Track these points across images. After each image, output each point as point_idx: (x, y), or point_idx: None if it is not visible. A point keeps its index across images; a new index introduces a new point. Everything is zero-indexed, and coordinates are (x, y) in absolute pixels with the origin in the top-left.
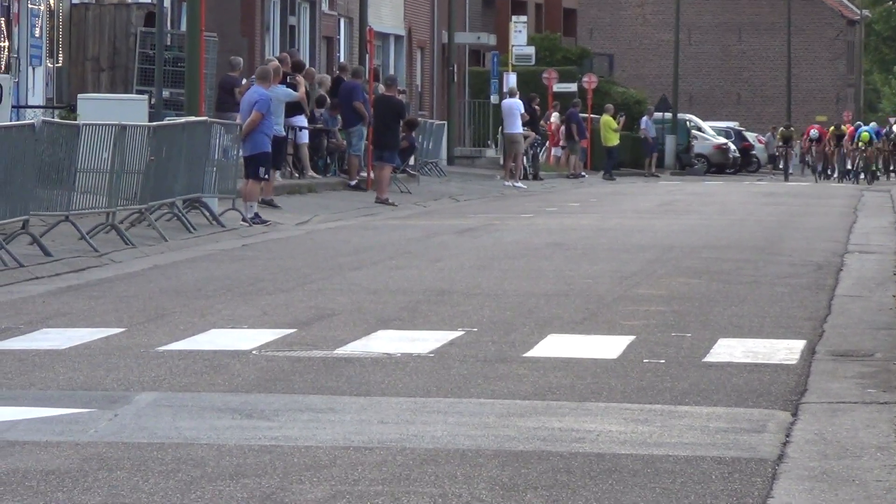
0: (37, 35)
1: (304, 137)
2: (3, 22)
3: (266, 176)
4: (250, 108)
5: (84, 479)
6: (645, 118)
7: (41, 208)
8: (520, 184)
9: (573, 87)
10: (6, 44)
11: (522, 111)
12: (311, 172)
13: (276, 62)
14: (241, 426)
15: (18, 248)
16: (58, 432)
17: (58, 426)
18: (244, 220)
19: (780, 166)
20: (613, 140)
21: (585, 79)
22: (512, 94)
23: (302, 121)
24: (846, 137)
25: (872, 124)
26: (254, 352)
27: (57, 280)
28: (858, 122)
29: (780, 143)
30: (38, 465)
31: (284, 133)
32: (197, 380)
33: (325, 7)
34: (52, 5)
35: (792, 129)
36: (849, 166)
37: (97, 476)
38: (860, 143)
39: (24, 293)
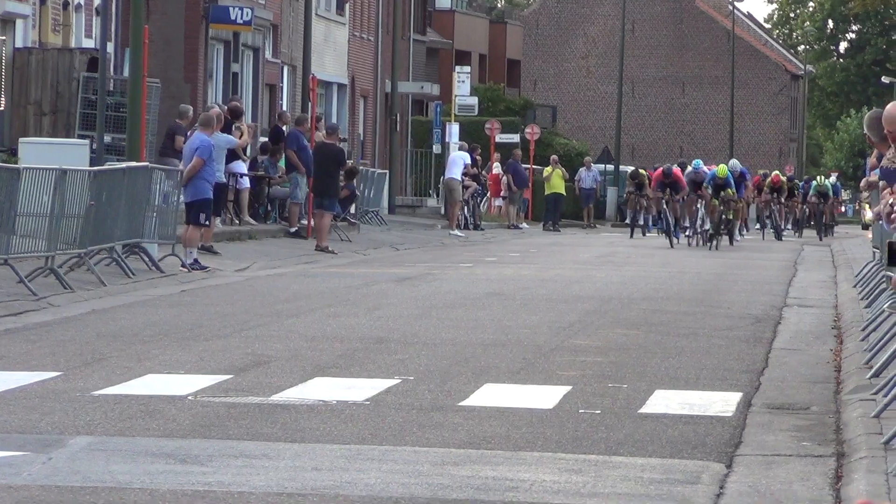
0: None
1: (245, 183)
2: None
3: (207, 222)
4: (192, 154)
5: None
6: (582, 169)
7: None
8: (459, 232)
9: (516, 137)
10: None
11: (468, 163)
12: (248, 218)
13: (218, 109)
14: (174, 471)
15: None
16: None
17: None
18: (184, 265)
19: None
20: (561, 188)
21: (528, 130)
22: (461, 149)
23: (242, 167)
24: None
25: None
26: (189, 397)
27: None
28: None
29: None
30: None
31: (225, 180)
32: (132, 424)
33: (268, 55)
34: None
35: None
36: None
37: None
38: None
39: None
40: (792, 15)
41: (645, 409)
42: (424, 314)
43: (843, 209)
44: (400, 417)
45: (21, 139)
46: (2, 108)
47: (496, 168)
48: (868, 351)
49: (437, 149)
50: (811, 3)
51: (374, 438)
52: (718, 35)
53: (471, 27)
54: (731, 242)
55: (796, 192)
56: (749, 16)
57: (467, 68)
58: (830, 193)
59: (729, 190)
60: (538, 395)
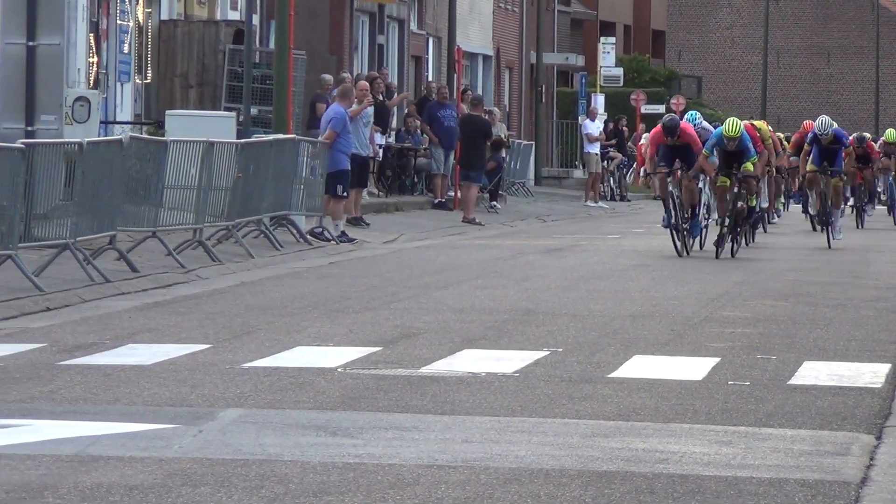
0: (125, 51)
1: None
2: (92, 38)
3: (344, 193)
4: (326, 126)
5: (167, 494)
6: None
7: (128, 224)
8: (601, 203)
9: (661, 108)
10: (95, 60)
11: (591, 132)
12: (372, 189)
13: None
14: (325, 443)
15: (105, 263)
16: (142, 447)
17: (142, 441)
18: (331, 238)
19: None
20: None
21: (673, 100)
22: (590, 116)
23: (380, 138)
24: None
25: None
26: (339, 369)
27: (143, 296)
28: None
29: None
30: (122, 480)
31: (365, 153)
32: (282, 397)
33: (413, 26)
34: (141, 22)
35: None
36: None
37: (181, 492)
38: None
39: (110, 308)
40: None
41: (794, 381)
42: (572, 285)
43: None
44: (549, 389)
45: (168, 112)
46: (148, 81)
47: (643, 139)
48: None
49: (582, 120)
50: None
51: (523, 410)
52: (863, 4)
53: (613, 2)
54: (747, 242)
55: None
56: None
57: (612, 39)
58: None
59: (748, 164)
60: (687, 367)
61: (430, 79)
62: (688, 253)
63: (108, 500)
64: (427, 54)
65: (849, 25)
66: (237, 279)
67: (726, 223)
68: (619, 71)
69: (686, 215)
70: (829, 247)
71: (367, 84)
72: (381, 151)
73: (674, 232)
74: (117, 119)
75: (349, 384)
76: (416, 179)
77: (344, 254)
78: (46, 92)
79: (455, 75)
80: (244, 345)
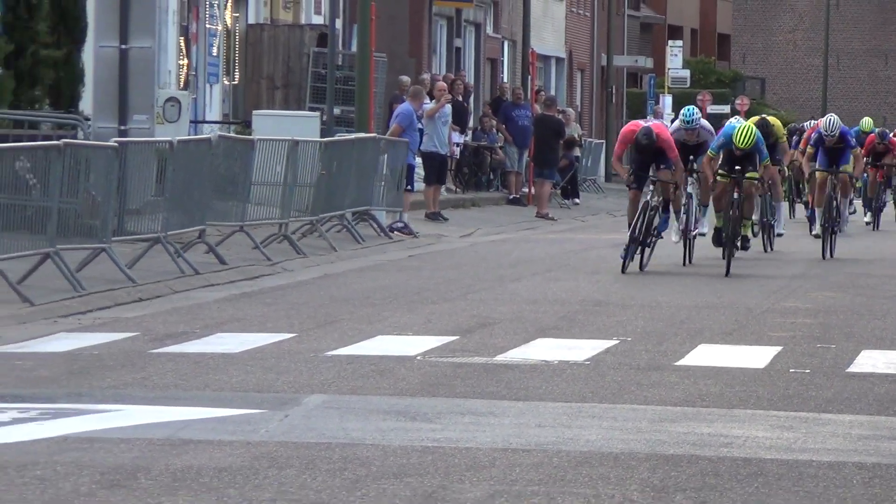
0: (214, 54)
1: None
2: (182, 41)
3: (409, 188)
4: (394, 122)
5: (255, 476)
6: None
7: (217, 219)
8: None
9: (726, 108)
10: (185, 62)
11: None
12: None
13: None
14: (404, 428)
15: (195, 256)
16: (230, 431)
17: (230, 426)
18: (411, 232)
19: None
20: None
21: (738, 101)
22: (656, 116)
23: (457, 137)
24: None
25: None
26: (418, 357)
27: (231, 287)
28: None
29: None
30: (211, 462)
31: (444, 151)
32: (363, 383)
33: (489, 30)
34: (229, 25)
35: None
36: None
37: (267, 474)
38: None
39: (199, 299)
40: None
41: (852, 369)
42: (640, 277)
43: None
44: (619, 377)
45: (255, 112)
46: (236, 83)
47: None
48: None
49: (649, 120)
50: None
51: (594, 396)
52: None
53: (683, 3)
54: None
55: None
56: None
57: (679, 42)
58: None
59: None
60: (750, 356)
61: (504, 80)
62: (640, 269)
63: (198, 482)
64: (502, 57)
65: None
66: (321, 271)
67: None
68: (686, 73)
69: (651, 228)
70: (828, 257)
71: (445, 84)
72: (458, 150)
73: (636, 246)
74: (206, 119)
75: (427, 371)
76: (491, 176)
77: (423, 247)
78: (138, 93)
79: (529, 77)
80: (327, 334)
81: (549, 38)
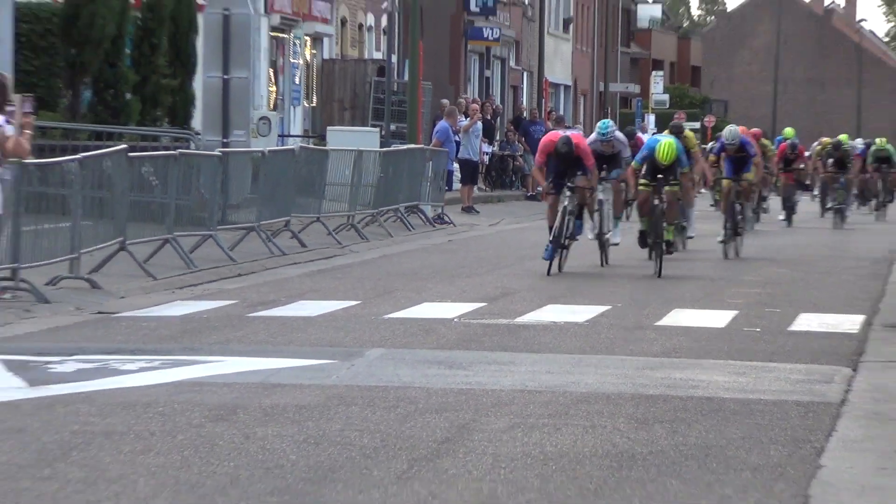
0: (296, 82)
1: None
2: (271, 72)
3: (448, 188)
4: (434, 136)
5: (327, 412)
6: None
7: (299, 211)
8: None
9: (697, 125)
10: (274, 88)
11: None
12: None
13: (475, 104)
14: (444, 374)
15: (282, 241)
16: (309, 377)
17: (309, 373)
18: (450, 221)
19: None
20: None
21: (707, 119)
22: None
23: (486, 147)
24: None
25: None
26: (455, 319)
27: (310, 265)
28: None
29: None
30: (294, 401)
31: (476, 158)
32: (412, 339)
33: (512, 63)
34: (308, 60)
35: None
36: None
37: (337, 410)
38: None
39: (286, 275)
40: None
41: (792, 328)
42: (631, 256)
43: None
44: (611, 334)
45: (329, 128)
46: (314, 105)
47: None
48: None
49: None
50: None
51: (591, 350)
52: (849, 46)
53: (663, 42)
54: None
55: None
56: (871, 32)
57: (661, 73)
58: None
59: (675, 187)
60: (714, 318)
61: (523, 103)
62: (559, 270)
63: (284, 416)
64: (522, 84)
65: (839, 62)
66: (379, 252)
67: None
68: (666, 97)
69: (567, 232)
70: (732, 256)
71: (478, 106)
72: (487, 157)
73: (557, 245)
74: (290, 133)
75: (462, 330)
76: (513, 178)
77: (459, 234)
78: (237, 113)
79: (543, 100)
80: (385, 301)
81: (558, 69)
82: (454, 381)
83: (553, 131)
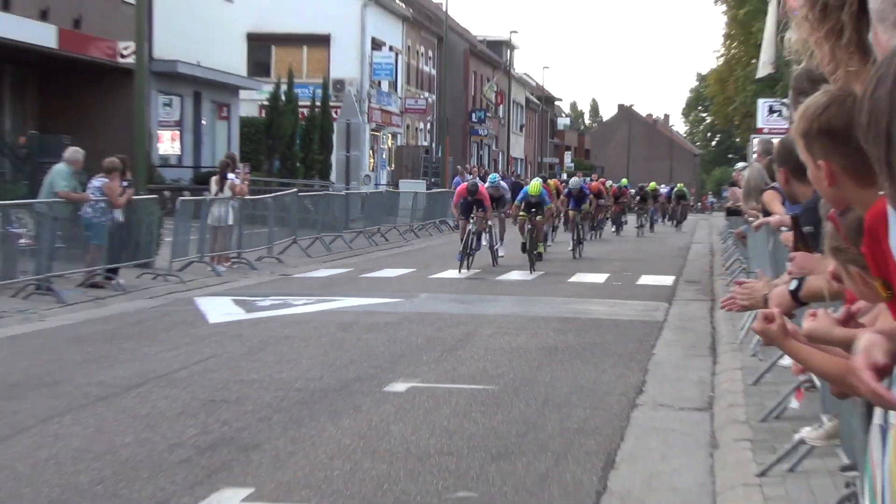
0: (384, 157)
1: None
2: (370, 151)
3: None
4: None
5: (400, 325)
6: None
7: (385, 223)
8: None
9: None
10: (372, 160)
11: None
12: None
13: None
14: (459, 306)
15: (377, 238)
16: (389, 307)
17: (388, 306)
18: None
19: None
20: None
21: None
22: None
23: None
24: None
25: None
26: (463, 278)
27: (389, 251)
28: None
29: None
30: (382, 320)
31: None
32: (442, 287)
33: (493, 147)
34: (390, 145)
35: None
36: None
37: (404, 325)
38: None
39: (377, 256)
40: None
41: (638, 283)
42: (516, 257)
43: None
44: (547, 284)
45: (400, 180)
46: (392, 169)
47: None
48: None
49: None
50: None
51: (537, 292)
52: (665, 139)
53: (571, 136)
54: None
55: (658, 197)
56: (677, 131)
57: (569, 152)
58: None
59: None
60: (596, 277)
61: (499, 168)
62: (468, 269)
63: (377, 328)
64: (499, 158)
65: (660, 147)
66: (425, 244)
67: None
68: (572, 164)
69: (472, 245)
70: (577, 257)
71: (476, 169)
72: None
73: (465, 254)
74: (380, 183)
75: (468, 283)
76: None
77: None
78: (353, 172)
79: (509, 167)
80: (428, 269)
81: (517, 150)
82: (465, 309)
83: (463, 182)
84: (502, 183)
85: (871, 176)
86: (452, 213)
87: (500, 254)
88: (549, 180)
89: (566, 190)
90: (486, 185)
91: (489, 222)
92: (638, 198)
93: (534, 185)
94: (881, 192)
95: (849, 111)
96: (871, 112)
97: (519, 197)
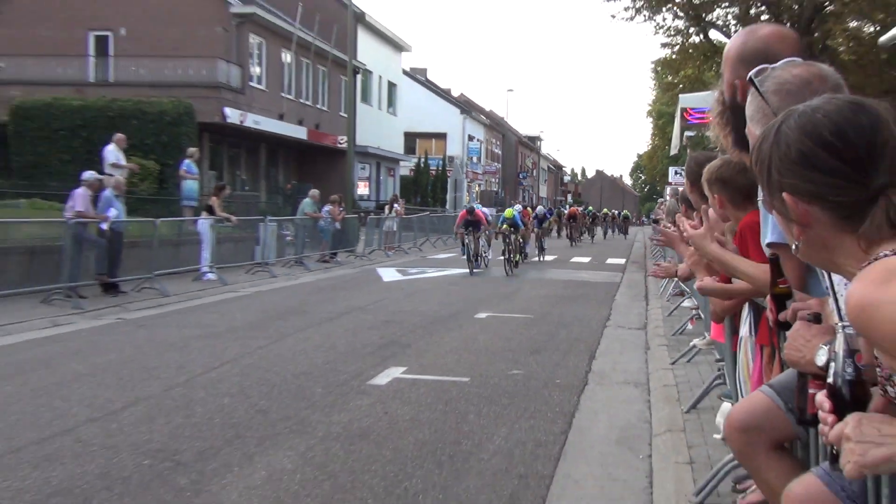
0: (474, 195)
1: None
2: (467, 194)
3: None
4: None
5: (456, 283)
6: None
7: (435, 235)
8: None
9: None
10: (468, 196)
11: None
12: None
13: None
14: (466, 284)
15: (427, 245)
16: (440, 278)
17: (442, 275)
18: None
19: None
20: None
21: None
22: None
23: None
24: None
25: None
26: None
27: (437, 252)
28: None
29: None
30: (435, 284)
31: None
32: (455, 269)
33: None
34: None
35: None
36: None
37: (481, 285)
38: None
39: (426, 258)
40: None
41: (607, 262)
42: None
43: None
44: (518, 282)
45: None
46: (479, 202)
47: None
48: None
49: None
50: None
51: (517, 280)
52: (619, 186)
53: (571, 185)
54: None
55: (614, 217)
56: (626, 183)
57: (570, 195)
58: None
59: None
60: (583, 264)
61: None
62: (471, 273)
63: (437, 289)
64: (533, 197)
65: (616, 190)
66: (448, 253)
67: (508, 256)
68: (572, 200)
69: (473, 254)
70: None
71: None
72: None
73: (470, 260)
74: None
75: (472, 274)
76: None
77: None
78: (458, 204)
79: (537, 201)
80: (454, 264)
81: (542, 192)
82: (469, 283)
83: (464, 209)
84: (485, 210)
85: (743, 203)
86: (456, 232)
87: (489, 257)
88: (527, 207)
89: (533, 214)
90: (480, 209)
91: (482, 238)
92: (590, 219)
93: (508, 211)
94: (750, 209)
95: (732, 169)
96: (758, 157)
97: (500, 219)
